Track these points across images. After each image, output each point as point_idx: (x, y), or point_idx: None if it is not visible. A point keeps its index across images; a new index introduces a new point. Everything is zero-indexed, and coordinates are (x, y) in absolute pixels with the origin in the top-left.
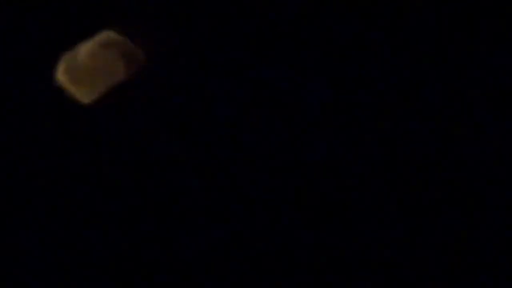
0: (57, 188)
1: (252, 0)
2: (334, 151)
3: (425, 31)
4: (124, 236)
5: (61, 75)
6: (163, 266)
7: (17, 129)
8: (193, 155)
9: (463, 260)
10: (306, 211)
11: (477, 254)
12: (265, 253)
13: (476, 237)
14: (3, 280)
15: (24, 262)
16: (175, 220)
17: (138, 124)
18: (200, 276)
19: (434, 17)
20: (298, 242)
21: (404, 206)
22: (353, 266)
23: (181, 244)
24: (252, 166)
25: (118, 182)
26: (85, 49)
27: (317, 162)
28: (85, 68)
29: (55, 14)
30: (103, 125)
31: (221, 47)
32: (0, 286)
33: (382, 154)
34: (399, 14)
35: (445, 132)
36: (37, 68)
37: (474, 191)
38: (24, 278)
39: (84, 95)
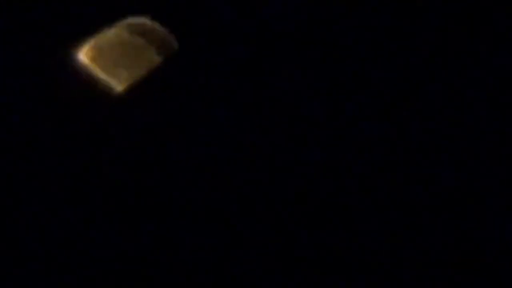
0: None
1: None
2: (333, 151)
3: (426, 32)
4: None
5: (88, 61)
6: (162, 266)
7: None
8: (197, 155)
9: (462, 260)
10: (306, 211)
11: (477, 254)
12: (265, 253)
13: (476, 237)
14: (3, 280)
15: (24, 262)
16: (180, 220)
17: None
18: (200, 276)
19: (434, 17)
20: (299, 242)
21: (404, 206)
22: (353, 266)
23: (181, 244)
24: (252, 166)
25: (127, 180)
26: (112, 35)
27: (316, 163)
28: (116, 54)
29: None
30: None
31: (223, 47)
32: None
33: (381, 154)
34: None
35: (445, 132)
36: (60, 53)
37: (474, 191)
38: (24, 278)
39: (116, 83)
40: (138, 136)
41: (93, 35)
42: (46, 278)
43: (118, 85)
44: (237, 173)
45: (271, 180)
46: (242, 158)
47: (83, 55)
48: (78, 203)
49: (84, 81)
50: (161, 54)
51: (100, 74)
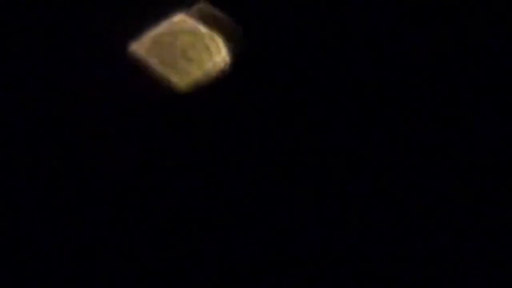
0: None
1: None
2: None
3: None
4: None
5: (145, 54)
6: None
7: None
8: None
9: (463, 261)
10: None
11: (477, 255)
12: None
13: (475, 239)
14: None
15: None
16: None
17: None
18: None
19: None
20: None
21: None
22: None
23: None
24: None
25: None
26: (174, 24)
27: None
28: (177, 46)
29: None
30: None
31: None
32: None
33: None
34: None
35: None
36: (116, 45)
37: (474, 191)
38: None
39: (180, 80)
40: (195, 136)
41: (153, 25)
42: (46, 278)
43: (179, 81)
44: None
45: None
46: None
47: (140, 47)
48: (124, 201)
49: (141, 76)
50: (229, 48)
51: (158, 68)
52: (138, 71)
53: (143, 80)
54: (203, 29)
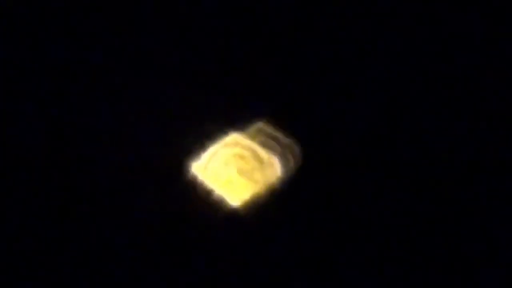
0: None
1: None
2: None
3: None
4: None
5: (200, 174)
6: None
7: None
8: None
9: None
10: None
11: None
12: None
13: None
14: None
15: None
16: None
17: None
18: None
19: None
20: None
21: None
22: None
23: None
24: None
25: None
26: (232, 143)
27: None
28: (235, 166)
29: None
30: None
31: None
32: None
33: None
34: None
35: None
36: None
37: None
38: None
39: (236, 198)
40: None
41: (208, 145)
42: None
43: (235, 199)
44: None
45: None
46: None
47: (197, 167)
48: None
49: (198, 194)
50: (285, 167)
51: (214, 187)
52: (195, 190)
53: (200, 199)
54: (258, 148)
